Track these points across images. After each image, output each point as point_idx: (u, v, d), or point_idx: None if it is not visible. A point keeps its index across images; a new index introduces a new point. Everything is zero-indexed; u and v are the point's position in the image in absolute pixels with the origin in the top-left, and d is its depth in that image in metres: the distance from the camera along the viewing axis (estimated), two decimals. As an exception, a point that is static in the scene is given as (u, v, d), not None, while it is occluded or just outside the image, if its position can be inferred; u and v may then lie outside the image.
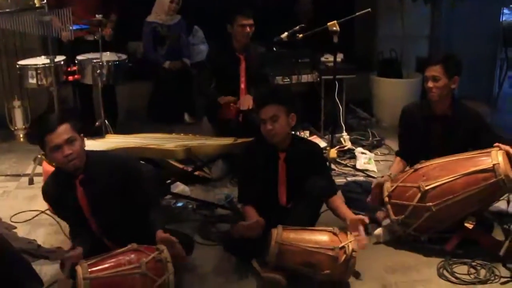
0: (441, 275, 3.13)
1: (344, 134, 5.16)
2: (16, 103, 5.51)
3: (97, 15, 4.50)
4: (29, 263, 3.02)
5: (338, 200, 3.41)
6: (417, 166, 3.47)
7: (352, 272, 3.01)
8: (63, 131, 2.84)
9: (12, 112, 5.54)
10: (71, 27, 4.40)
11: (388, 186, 3.46)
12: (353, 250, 2.94)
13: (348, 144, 5.02)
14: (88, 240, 2.97)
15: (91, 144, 3.73)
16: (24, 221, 3.87)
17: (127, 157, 3.26)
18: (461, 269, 3.17)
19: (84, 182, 2.96)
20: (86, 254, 2.82)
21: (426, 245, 3.39)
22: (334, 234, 3.00)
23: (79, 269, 2.73)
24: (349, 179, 4.36)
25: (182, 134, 3.96)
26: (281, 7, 6.20)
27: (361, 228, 3.12)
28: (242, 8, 4.56)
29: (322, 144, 4.89)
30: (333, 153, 4.58)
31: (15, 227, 3.79)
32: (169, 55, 5.77)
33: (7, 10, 4.23)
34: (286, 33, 4.45)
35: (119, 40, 5.69)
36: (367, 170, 4.59)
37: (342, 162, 4.76)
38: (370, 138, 5.30)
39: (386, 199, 3.43)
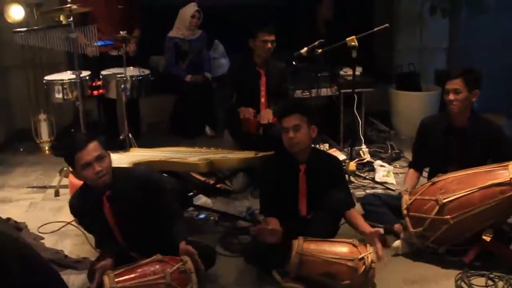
0: (459, 287, 3.17)
1: (363, 146, 5.22)
2: (42, 116, 5.65)
3: (121, 32, 4.62)
4: (57, 273, 3.12)
5: (355, 213, 3.47)
6: (435, 179, 3.53)
7: (371, 283, 3.07)
8: (93, 148, 2.95)
9: (38, 125, 5.69)
10: (96, 43, 4.53)
11: (406, 199, 3.52)
12: (372, 261, 3.01)
13: (367, 157, 5.08)
14: (114, 249, 3.08)
15: (117, 158, 3.85)
16: (51, 232, 3.98)
17: (150, 172, 3.36)
18: (479, 281, 3.21)
19: (111, 197, 3.07)
20: (112, 264, 2.93)
21: (444, 257, 3.43)
22: (354, 245, 3.08)
23: (106, 279, 2.85)
24: (368, 191, 4.41)
25: (204, 148, 4.05)
26: (302, 20, 6.33)
27: (377, 240, 3.18)
28: (265, 24, 4.65)
29: (341, 157, 4.97)
30: (352, 166, 4.65)
31: (43, 238, 3.91)
32: (190, 69, 5.88)
33: (35, 27, 4.37)
34: (305, 48, 4.56)
35: (141, 54, 5.85)
36: (386, 182, 4.64)
37: (361, 175, 4.81)
38: (389, 151, 5.35)
39: (405, 211, 3.49)
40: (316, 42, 4.53)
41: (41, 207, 4.47)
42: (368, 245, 3.10)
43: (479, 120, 3.69)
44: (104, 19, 5.04)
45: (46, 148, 5.72)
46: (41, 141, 5.71)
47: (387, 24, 4.40)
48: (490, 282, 3.19)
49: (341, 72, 5.53)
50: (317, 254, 3.03)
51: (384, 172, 4.75)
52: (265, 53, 4.62)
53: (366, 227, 3.31)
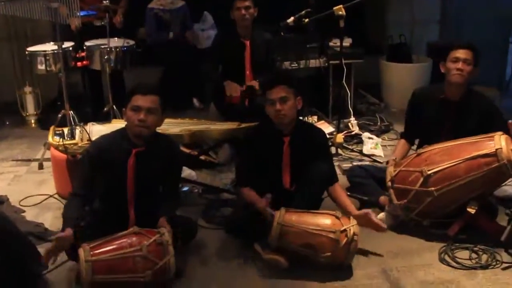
0: (442, 260, 3.14)
1: (352, 119, 5.15)
2: (28, 89, 5.57)
3: (104, 1, 4.51)
4: (33, 246, 3.08)
5: (339, 189, 3.41)
6: (420, 150, 3.48)
7: (353, 255, 3.03)
8: (151, 100, 3.02)
9: (23, 98, 5.60)
10: (78, 14, 4.43)
11: (391, 171, 3.47)
12: (354, 234, 2.97)
13: (356, 129, 5.02)
14: (76, 216, 3.00)
15: (97, 129, 3.78)
16: (33, 205, 3.93)
17: (182, 153, 3.43)
18: (462, 254, 3.18)
19: (141, 155, 3.07)
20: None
21: (428, 230, 3.40)
22: (336, 217, 3.03)
23: (81, 252, 2.80)
24: (354, 163, 4.35)
25: (187, 119, 3.99)
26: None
27: (372, 217, 3.18)
28: None
29: (330, 129, 4.91)
30: (339, 138, 4.59)
31: (24, 211, 3.86)
32: (174, 40, 5.78)
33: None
34: (292, 18, 4.47)
35: (129, 26, 5.74)
36: (373, 155, 4.58)
37: (349, 147, 4.75)
38: (379, 123, 5.28)
39: (389, 183, 3.44)
40: (303, 12, 4.43)
41: (24, 180, 4.42)
42: (351, 217, 3.05)
43: (473, 94, 3.62)
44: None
45: (32, 121, 5.65)
46: (27, 114, 5.64)
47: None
48: (474, 255, 3.16)
49: (331, 43, 5.43)
50: (299, 225, 2.98)
51: (372, 145, 4.69)
52: (243, 21, 4.51)
53: (351, 207, 3.26)
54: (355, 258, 3.09)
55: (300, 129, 3.41)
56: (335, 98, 5.30)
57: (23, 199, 4.00)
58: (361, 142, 4.83)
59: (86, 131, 3.67)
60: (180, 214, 3.34)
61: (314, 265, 3.03)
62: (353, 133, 4.97)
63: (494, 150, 3.16)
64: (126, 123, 3.10)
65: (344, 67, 5.10)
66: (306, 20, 4.43)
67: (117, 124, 3.93)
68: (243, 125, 3.75)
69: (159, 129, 3.55)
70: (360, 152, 4.65)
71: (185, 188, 4.07)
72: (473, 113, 3.55)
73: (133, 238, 2.89)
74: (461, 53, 3.52)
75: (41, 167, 4.54)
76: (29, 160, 4.74)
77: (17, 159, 4.82)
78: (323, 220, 3.02)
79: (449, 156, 3.28)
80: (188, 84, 5.85)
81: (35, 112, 5.64)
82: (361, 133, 4.94)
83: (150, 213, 3.07)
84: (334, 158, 4.53)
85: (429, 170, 3.27)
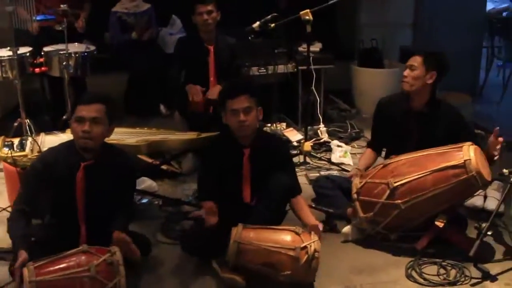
0: (409, 276, 3.01)
1: (321, 126, 5.01)
2: (-12, 97, 5.35)
3: (61, 5, 4.32)
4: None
5: (301, 201, 3.25)
6: (387, 161, 3.35)
7: (315, 273, 2.88)
8: (95, 109, 2.85)
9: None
10: (35, 18, 4.24)
11: (356, 183, 3.34)
12: (315, 251, 2.81)
13: (325, 137, 4.88)
14: (29, 236, 2.86)
15: (51, 139, 3.60)
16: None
17: (134, 164, 3.24)
18: (430, 270, 3.05)
19: (90, 168, 2.91)
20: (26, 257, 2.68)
21: (396, 244, 3.27)
22: (296, 233, 2.88)
23: (25, 271, 2.62)
24: (322, 173, 4.22)
25: (146, 129, 3.81)
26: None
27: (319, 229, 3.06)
28: None
29: (298, 136, 4.79)
30: (307, 146, 4.45)
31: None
32: (139, 45, 5.61)
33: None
34: (258, 23, 4.32)
35: (94, 30, 5.57)
36: (342, 163, 4.45)
37: (317, 155, 4.61)
38: (349, 130, 5.14)
39: (355, 195, 3.30)
40: (269, 16, 4.28)
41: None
42: (312, 233, 2.90)
43: (439, 105, 3.49)
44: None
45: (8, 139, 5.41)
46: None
47: (342, -4, 4.16)
48: (442, 271, 3.04)
49: (300, 48, 5.29)
50: (257, 242, 2.83)
51: (341, 153, 4.56)
52: (205, 26, 4.36)
53: (308, 218, 3.12)
54: (317, 275, 2.93)
55: (261, 140, 3.25)
56: (304, 105, 5.16)
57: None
58: (330, 150, 4.69)
59: (37, 143, 3.48)
60: (133, 230, 3.17)
61: (274, 284, 2.87)
62: (321, 140, 4.83)
63: (463, 161, 3.05)
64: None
65: (314, 73, 4.98)
66: (273, 25, 4.28)
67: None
68: (203, 135, 3.59)
69: (114, 140, 3.41)
70: (329, 160, 4.52)
71: (145, 200, 3.90)
72: (440, 123, 3.42)
73: (82, 257, 2.71)
74: (408, 61, 3.46)
75: (-2, 177, 4.33)
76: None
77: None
78: (283, 237, 2.86)
79: (416, 167, 3.15)
80: (155, 90, 5.67)
81: (-7, 121, 5.41)
82: (330, 140, 4.80)
83: (103, 229, 2.90)
84: (302, 167, 4.44)
85: (395, 182, 3.14)
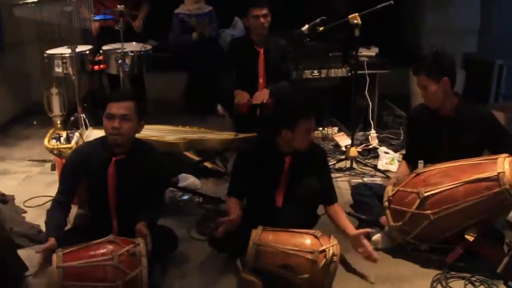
0: (434, 289, 2.93)
1: (372, 132, 4.95)
2: (54, 90, 5.63)
3: (118, 6, 4.51)
4: (14, 249, 3.09)
5: (338, 210, 3.23)
6: (420, 170, 3.28)
7: (333, 277, 2.86)
8: (124, 106, 2.97)
9: (50, 99, 5.69)
10: (93, 17, 4.45)
11: (388, 190, 3.28)
12: (334, 255, 2.80)
13: (375, 143, 4.82)
14: (59, 226, 3.00)
15: (96, 134, 3.76)
16: (36, 206, 3.95)
17: (163, 160, 3.30)
18: (457, 284, 2.96)
19: (121, 163, 3.04)
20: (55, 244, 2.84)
21: (425, 255, 3.18)
22: (315, 237, 2.88)
23: (54, 257, 2.78)
24: (365, 179, 4.17)
25: (187, 127, 3.92)
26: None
27: (366, 242, 3.01)
28: None
29: (348, 141, 4.74)
30: (353, 151, 4.42)
31: (25, 212, 3.90)
32: (200, 45, 5.75)
33: (29, 1, 4.31)
34: (306, 26, 4.33)
35: (160, 30, 5.78)
36: (388, 171, 4.38)
37: (363, 161, 4.56)
38: (402, 137, 5.04)
39: (386, 203, 3.25)
40: (318, 20, 4.29)
41: (35, 180, 4.48)
42: (332, 237, 2.89)
43: (466, 107, 3.36)
44: (107, -6, 4.97)
45: (58, 122, 5.71)
46: (53, 115, 5.71)
47: (391, 1, 4.09)
48: (469, 286, 2.93)
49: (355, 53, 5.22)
50: (275, 245, 2.84)
51: (387, 160, 4.49)
52: (260, 29, 4.41)
53: (350, 229, 3.08)
54: (337, 279, 2.91)
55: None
56: (354, 110, 5.10)
57: (28, 200, 4.04)
58: (377, 156, 4.63)
59: (82, 137, 3.66)
60: (164, 225, 3.28)
61: None
62: (370, 146, 4.77)
63: (496, 173, 2.93)
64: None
65: (367, 78, 4.94)
66: (321, 28, 4.28)
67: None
68: (240, 135, 3.64)
69: (155, 137, 3.54)
70: (375, 167, 4.45)
71: (186, 197, 4.01)
72: (468, 129, 3.29)
73: (107, 247, 2.83)
74: (417, 81, 3.38)
75: (53, 168, 4.57)
76: (44, 161, 4.81)
77: (33, 159, 4.89)
78: (302, 240, 2.86)
79: (448, 177, 3.07)
80: (213, 90, 5.79)
81: (60, 113, 5.70)
82: (378, 147, 4.73)
83: (133, 221, 3.00)
84: (346, 173, 4.41)
85: (426, 192, 3.07)
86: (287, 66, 4.69)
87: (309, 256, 2.80)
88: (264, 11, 4.40)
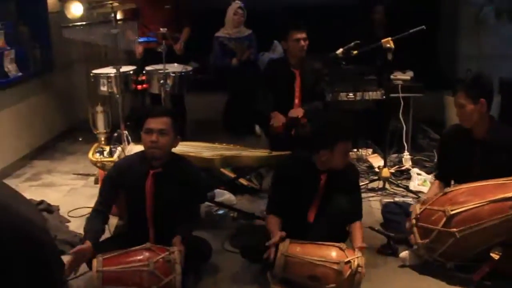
0: (458, 306, 3.00)
1: (406, 154, 5.03)
2: (99, 108, 5.91)
3: (161, 29, 4.75)
4: (58, 253, 3.28)
5: (356, 227, 3.30)
6: (448, 189, 3.35)
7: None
8: (162, 121, 3.17)
9: (95, 116, 5.96)
10: (137, 39, 4.70)
11: (416, 208, 3.37)
12: (358, 266, 2.92)
13: (408, 164, 4.89)
14: (98, 232, 3.19)
15: (137, 149, 3.96)
16: (79, 216, 4.18)
17: (200, 174, 3.47)
18: (482, 301, 3.02)
19: (158, 176, 3.22)
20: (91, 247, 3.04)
21: (452, 273, 3.24)
22: (341, 249, 3.00)
23: (94, 262, 2.97)
24: (396, 199, 4.25)
25: (224, 144, 4.09)
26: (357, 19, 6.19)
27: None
28: (294, 22, 4.62)
29: (381, 162, 4.82)
30: (386, 172, 4.51)
31: (69, 221, 4.13)
32: (239, 68, 5.95)
33: (77, 23, 4.59)
34: (341, 49, 4.46)
35: (200, 52, 6.01)
36: (420, 192, 4.44)
37: (395, 182, 4.63)
38: (435, 160, 5.09)
39: (413, 221, 3.33)
40: (352, 43, 4.43)
41: (79, 193, 4.72)
42: (356, 250, 3.00)
43: (501, 130, 3.44)
44: (151, 17, 5.23)
45: (102, 138, 5.97)
46: (97, 132, 5.97)
47: (423, 26, 4.22)
48: (494, 303, 2.99)
49: (391, 76, 5.35)
50: (302, 256, 2.98)
51: (419, 181, 4.56)
52: (299, 52, 4.57)
53: (356, 241, 3.17)
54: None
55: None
56: (392, 132, 5.20)
57: (72, 210, 4.28)
58: (410, 177, 4.70)
59: (124, 151, 3.87)
60: (199, 236, 3.43)
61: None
62: (403, 168, 4.85)
63: (520, 193, 2.99)
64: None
65: (401, 101, 5.04)
66: (355, 52, 4.41)
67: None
68: (274, 153, 3.79)
69: (192, 153, 3.71)
70: (406, 188, 4.53)
71: (221, 211, 4.16)
72: (501, 151, 3.35)
73: (144, 254, 3.01)
74: (455, 99, 3.46)
75: (96, 182, 4.81)
76: (88, 175, 5.06)
77: (78, 173, 5.15)
78: (327, 252, 2.99)
79: (474, 196, 3.14)
80: (251, 111, 5.96)
81: (104, 130, 5.96)
82: (410, 168, 4.81)
83: (169, 231, 3.17)
84: (379, 192, 4.50)
85: (452, 210, 3.14)
86: (321, 88, 4.83)
87: (335, 267, 2.92)
88: (304, 35, 4.57)
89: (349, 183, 3.39)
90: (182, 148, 3.97)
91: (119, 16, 5.10)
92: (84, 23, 4.69)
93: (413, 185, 4.55)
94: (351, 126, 3.48)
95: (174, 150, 3.36)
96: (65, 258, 3.30)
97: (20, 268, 2.96)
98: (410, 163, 4.93)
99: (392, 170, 4.75)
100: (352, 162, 4.51)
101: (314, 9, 6.68)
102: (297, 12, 6.61)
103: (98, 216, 3.24)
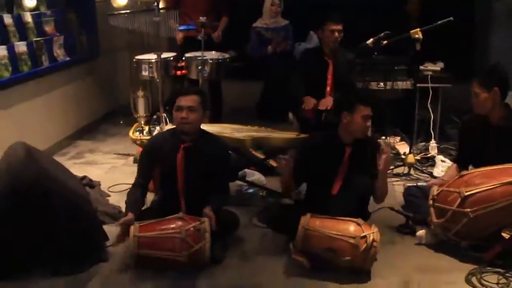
0: (468, 281, 3.15)
1: (432, 142, 5.18)
2: (140, 93, 6.21)
3: (200, 18, 5.01)
4: (99, 223, 3.61)
5: None
6: (464, 172, 3.52)
7: (372, 261, 3.17)
8: (191, 99, 3.46)
9: (136, 101, 6.28)
10: (178, 27, 4.97)
11: (434, 190, 3.54)
12: (373, 240, 3.12)
13: (433, 152, 5.04)
14: (137, 205, 3.50)
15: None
16: (118, 192, 4.48)
17: (228, 149, 3.74)
18: (491, 278, 3.16)
19: (188, 150, 3.51)
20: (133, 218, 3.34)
21: (466, 252, 3.41)
22: (358, 224, 3.21)
23: (131, 228, 3.26)
24: (419, 184, 4.42)
25: (255, 126, 4.32)
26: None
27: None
28: (331, 14, 4.79)
29: (405, 149, 4.99)
30: (411, 158, 4.68)
31: (109, 195, 4.44)
32: (275, 57, 6.16)
33: (122, 11, 4.88)
34: (371, 39, 4.64)
35: (238, 41, 6.25)
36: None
37: (420, 168, 4.80)
38: (458, 146, 5.23)
39: (431, 202, 3.51)
40: (382, 34, 4.59)
41: (119, 170, 5.03)
42: (373, 225, 3.20)
43: None
44: (191, 6, 5.50)
45: (142, 122, 6.29)
46: (138, 115, 6.28)
47: (451, 18, 4.37)
48: (503, 280, 3.13)
49: (421, 67, 5.48)
50: (321, 229, 3.19)
51: (443, 168, 4.69)
52: (333, 42, 4.75)
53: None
54: (379, 266, 3.24)
55: (360, 141, 3.61)
56: (418, 121, 5.35)
57: (112, 186, 4.59)
58: (435, 164, 4.85)
59: (161, 130, 4.15)
60: (228, 209, 3.68)
61: (335, 269, 3.20)
62: (429, 155, 5.01)
63: (533, 176, 3.15)
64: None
65: (430, 91, 5.19)
66: (385, 41, 4.58)
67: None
68: (302, 135, 4.00)
69: (225, 133, 3.97)
70: (430, 174, 4.69)
71: (251, 190, 4.41)
72: None
73: (178, 222, 3.29)
74: (472, 89, 3.64)
75: (135, 161, 5.09)
76: (128, 155, 5.38)
77: (118, 153, 5.47)
78: (345, 226, 3.20)
79: (488, 179, 3.31)
80: (286, 99, 6.17)
81: (145, 114, 6.28)
82: (435, 155, 4.96)
83: (199, 203, 3.43)
84: (403, 177, 4.67)
85: (467, 192, 3.31)
86: (352, 78, 5.00)
87: (352, 241, 3.13)
88: (340, 27, 4.75)
89: (372, 158, 3.58)
90: (215, 128, 4.24)
91: (161, 5, 5.40)
92: (128, 11, 4.98)
93: (437, 171, 4.71)
94: (370, 95, 3.72)
95: (208, 130, 3.62)
96: (105, 228, 3.65)
97: (63, 231, 3.30)
98: (436, 151, 5.09)
99: (418, 157, 4.91)
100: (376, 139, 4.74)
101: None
102: (334, 2, 6.81)
103: (137, 189, 3.54)
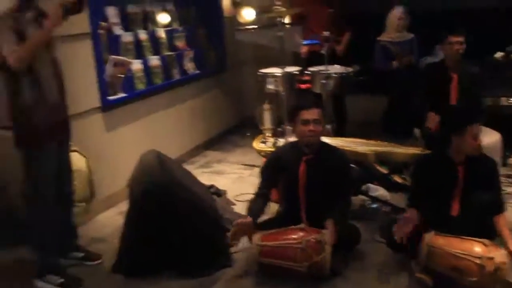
0: None
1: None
2: (266, 106, 6.39)
3: (324, 32, 5.08)
4: (222, 229, 3.79)
5: (501, 220, 3.37)
6: None
7: (501, 283, 3.05)
8: (315, 112, 3.56)
9: (262, 113, 6.46)
10: (302, 41, 5.08)
11: None
12: (501, 262, 3.00)
13: None
14: (260, 211, 3.61)
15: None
16: (244, 201, 4.57)
17: (348, 161, 3.80)
18: None
19: (310, 162, 3.62)
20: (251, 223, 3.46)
21: None
22: (484, 244, 3.10)
23: (255, 237, 3.40)
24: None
25: (379, 141, 4.31)
26: None
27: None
28: (452, 26, 4.67)
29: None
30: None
31: (234, 204, 4.64)
32: (400, 71, 6.08)
33: (248, 27, 5.08)
34: (500, 53, 4.46)
35: (362, 55, 6.25)
36: None
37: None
38: None
39: None
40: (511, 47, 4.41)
41: (245, 181, 5.23)
42: (501, 246, 3.08)
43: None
44: (315, 21, 5.59)
45: (268, 134, 6.45)
46: (263, 128, 6.46)
47: None
48: None
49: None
50: (445, 248, 3.13)
51: None
52: (453, 55, 4.63)
53: (507, 243, 3.22)
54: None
55: (474, 159, 3.49)
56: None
57: (238, 195, 4.78)
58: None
59: (286, 142, 4.26)
60: (351, 223, 3.72)
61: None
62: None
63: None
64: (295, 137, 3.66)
65: None
66: (517, 55, 4.40)
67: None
68: (426, 151, 3.93)
69: (346, 147, 4.01)
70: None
71: (374, 205, 4.39)
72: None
73: (299, 233, 3.38)
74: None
75: (263, 172, 5.27)
76: (253, 166, 5.55)
77: (245, 163, 5.67)
78: (470, 246, 3.11)
79: None
80: (412, 114, 6.05)
81: (271, 127, 6.44)
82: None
83: (320, 216, 3.49)
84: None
85: None
86: (477, 92, 4.82)
87: (478, 261, 3.03)
88: (460, 39, 4.62)
89: (488, 174, 3.48)
90: (338, 142, 4.29)
91: (286, 20, 5.54)
92: (255, 26, 5.18)
93: None
94: (478, 110, 3.55)
95: (331, 143, 3.69)
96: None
97: (189, 235, 3.51)
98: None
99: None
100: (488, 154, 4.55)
101: (480, 11, 6.59)
102: (459, 15, 6.60)
103: (259, 198, 3.67)
